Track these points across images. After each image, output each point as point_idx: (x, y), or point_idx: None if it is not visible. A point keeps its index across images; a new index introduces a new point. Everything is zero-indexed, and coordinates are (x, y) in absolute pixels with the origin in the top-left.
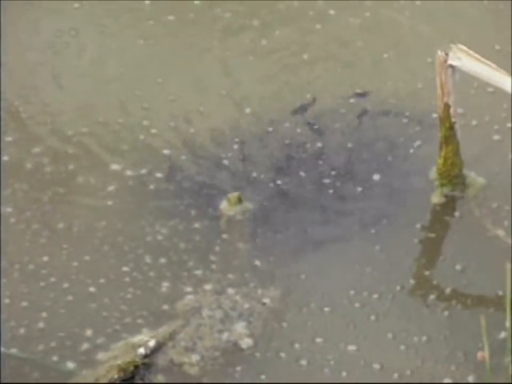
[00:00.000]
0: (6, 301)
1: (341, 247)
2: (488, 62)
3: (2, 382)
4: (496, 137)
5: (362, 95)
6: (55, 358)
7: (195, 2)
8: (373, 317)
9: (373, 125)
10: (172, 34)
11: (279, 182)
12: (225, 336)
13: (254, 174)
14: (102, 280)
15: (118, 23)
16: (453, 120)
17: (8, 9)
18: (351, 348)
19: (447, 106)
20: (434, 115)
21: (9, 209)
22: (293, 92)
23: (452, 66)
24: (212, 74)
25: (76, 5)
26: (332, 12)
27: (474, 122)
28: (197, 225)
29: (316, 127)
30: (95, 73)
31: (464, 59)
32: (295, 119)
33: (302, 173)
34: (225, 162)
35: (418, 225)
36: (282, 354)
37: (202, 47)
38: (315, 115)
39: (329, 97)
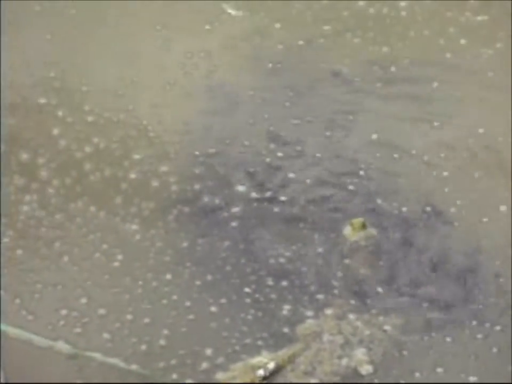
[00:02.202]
0: (129, 317)
1: None
2: None
3: None
4: None
5: None
6: (174, 376)
7: None
8: (495, 349)
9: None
10: None
11: (404, 209)
12: (344, 361)
13: (379, 201)
14: (223, 300)
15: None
16: None
17: (139, 29)
18: (472, 378)
19: None
20: None
21: (134, 227)
22: None
23: None
24: None
25: (207, 26)
26: None
27: None
28: (320, 249)
29: None
30: (224, 94)
31: None
32: None
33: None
34: (351, 187)
35: None
36: (402, 382)
37: None
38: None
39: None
